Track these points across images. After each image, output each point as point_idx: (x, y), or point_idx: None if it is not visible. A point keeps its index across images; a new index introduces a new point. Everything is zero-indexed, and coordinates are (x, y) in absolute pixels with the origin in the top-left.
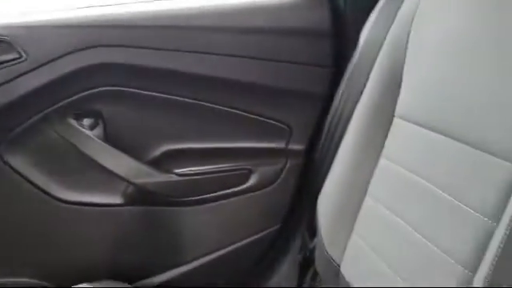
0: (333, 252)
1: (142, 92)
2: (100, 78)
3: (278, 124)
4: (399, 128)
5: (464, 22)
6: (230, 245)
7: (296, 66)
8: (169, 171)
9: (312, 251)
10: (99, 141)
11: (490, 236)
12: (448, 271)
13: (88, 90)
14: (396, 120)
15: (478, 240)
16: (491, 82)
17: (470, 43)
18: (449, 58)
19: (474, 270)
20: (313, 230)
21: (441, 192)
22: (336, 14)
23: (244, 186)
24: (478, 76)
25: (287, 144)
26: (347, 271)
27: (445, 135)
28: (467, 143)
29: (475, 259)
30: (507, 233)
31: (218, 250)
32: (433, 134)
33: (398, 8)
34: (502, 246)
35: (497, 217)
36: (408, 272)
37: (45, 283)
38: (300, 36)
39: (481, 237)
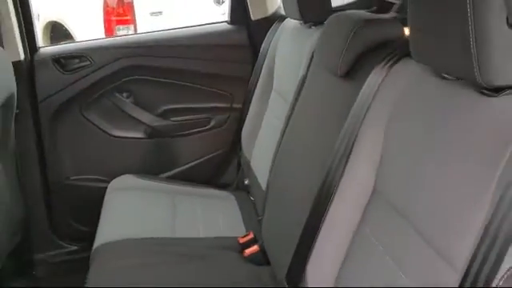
0: (247, 153)
1: (153, 79)
2: (131, 72)
3: (225, 93)
4: (273, 95)
5: (289, 48)
6: (202, 157)
7: (231, 63)
8: (168, 118)
9: (240, 156)
10: (132, 104)
11: None
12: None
13: (125, 77)
14: (273, 91)
15: None
16: None
17: (283, 60)
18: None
19: None
20: (241, 146)
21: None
22: (250, 36)
23: (207, 127)
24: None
25: (231, 104)
26: (253, 162)
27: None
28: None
29: None
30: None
31: (197, 159)
32: (276, 96)
33: (273, 36)
34: None
35: None
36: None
37: (106, 178)
38: (233, 47)
39: None
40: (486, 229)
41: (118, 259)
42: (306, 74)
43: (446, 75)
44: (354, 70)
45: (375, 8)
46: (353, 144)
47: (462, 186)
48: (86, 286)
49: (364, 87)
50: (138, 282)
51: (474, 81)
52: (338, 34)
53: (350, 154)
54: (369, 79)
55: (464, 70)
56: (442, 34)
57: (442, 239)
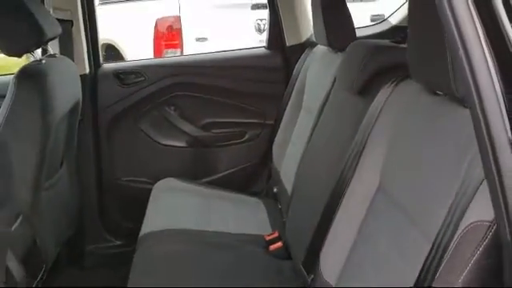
0: (277, 164)
1: (197, 95)
2: (178, 88)
3: (259, 110)
4: (302, 112)
5: (317, 71)
6: (236, 166)
7: (266, 83)
8: (208, 130)
9: (271, 167)
10: (178, 116)
11: None
12: None
13: (173, 93)
14: (302, 109)
15: None
16: None
17: (312, 81)
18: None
19: None
20: (271, 157)
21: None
22: (284, 60)
23: (243, 139)
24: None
25: (264, 120)
26: (282, 171)
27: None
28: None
29: None
30: None
31: (231, 168)
32: (304, 112)
33: (305, 60)
34: None
35: None
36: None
37: (151, 180)
38: (268, 70)
39: None
40: (451, 207)
41: (160, 245)
42: (329, 92)
43: (438, 92)
44: (366, 89)
45: (399, 38)
46: (362, 150)
47: (446, 181)
48: (132, 266)
49: (373, 104)
50: (176, 265)
51: (453, 94)
52: (355, 59)
53: (359, 159)
54: (377, 97)
55: (447, 86)
56: (431, 56)
57: (432, 227)
